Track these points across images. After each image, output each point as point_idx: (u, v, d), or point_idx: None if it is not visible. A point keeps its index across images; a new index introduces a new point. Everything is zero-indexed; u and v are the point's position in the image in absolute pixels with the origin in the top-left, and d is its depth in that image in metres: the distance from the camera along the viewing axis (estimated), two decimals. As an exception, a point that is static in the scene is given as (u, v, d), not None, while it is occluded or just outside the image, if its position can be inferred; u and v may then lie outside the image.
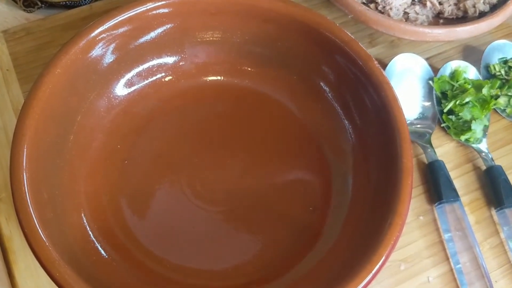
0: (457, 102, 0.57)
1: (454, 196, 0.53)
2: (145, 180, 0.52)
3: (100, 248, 0.48)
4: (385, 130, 0.48)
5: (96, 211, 0.49)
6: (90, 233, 0.48)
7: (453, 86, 0.59)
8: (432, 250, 0.52)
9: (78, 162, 0.50)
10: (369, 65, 0.50)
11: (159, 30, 0.54)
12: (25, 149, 0.44)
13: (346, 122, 0.54)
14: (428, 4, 0.61)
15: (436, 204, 0.54)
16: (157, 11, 0.52)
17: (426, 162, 0.56)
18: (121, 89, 0.54)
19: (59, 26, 0.62)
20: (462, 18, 0.62)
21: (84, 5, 0.65)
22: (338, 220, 0.49)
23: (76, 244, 0.46)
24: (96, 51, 0.50)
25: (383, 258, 0.41)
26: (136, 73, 0.55)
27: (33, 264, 0.49)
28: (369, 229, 0.44)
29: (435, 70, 0.61)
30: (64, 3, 0.64)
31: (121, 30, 0.51)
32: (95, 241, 0.48)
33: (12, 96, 0.57)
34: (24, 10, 0.66)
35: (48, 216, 0.44)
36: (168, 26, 0.54)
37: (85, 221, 0.48)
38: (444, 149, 0.58)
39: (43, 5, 0.66)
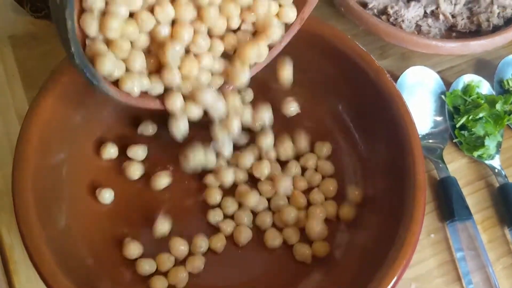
0: (470, 117, 0.55)
1: (466, 214, 0.51)
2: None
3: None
4: (396, 144, 0.46)
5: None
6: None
7: (466, 101, 0.57)
8: (443, 269, 0.51)
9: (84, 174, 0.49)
10: (381, 78, 0.49)
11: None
12: (29, 156, 0.43)
13: (356, 135, 0.53)
14: (441, 17, 0.60)
15: (448, 221, 0.52)
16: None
17: (438, 178, 0.54)
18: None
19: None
20: (476, 31, 0.61)
21: (91, 11, 0.64)
22: (347, 237, 0.48)
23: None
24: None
25: (395, 278, 0.39)
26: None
27: (34, 275, 0.47)
28: (380, 247, 0.43)
29: (447, 84, 0.60)
30: (71, 9, 0.63)
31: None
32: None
33: (17, 102, 0.56)
34: (31, 15, 0.65)
35: (51, 228, 0.43)
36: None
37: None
38: (456, 165, 0.56)
39: (50, 10, 0.65)
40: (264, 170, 0.49)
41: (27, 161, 0.43)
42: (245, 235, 0.47)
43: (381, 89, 0.48)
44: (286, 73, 0.46)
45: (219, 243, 0.47)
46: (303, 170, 0.52)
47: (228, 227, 0.48)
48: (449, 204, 0.52)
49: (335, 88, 0.53)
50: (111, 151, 0.50)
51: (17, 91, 0.57)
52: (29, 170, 0.43)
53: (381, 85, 0.48)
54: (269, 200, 0.50)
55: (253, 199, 0.48)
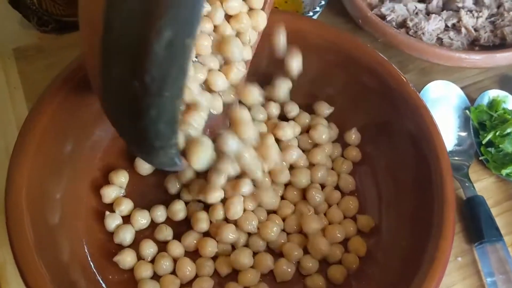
0: (497, 133, 0.52)
1: (496, 235, 0.47)
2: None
3: (101, 281, 0.43)
4: (423, 158, 0.43)
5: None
6: (91, 264, 0.44)
7: (492, 116, 0.54)
8: (472, 295, 0.47)
9: (83, 184, 0.46)
10: (405, 89, 0.46)
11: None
12: (24, 169, 0.40)
13: (380, 148, 0.49)
14: (463, 30, 0.58)
15: (476, 244, 0.48)
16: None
17: (464, 198, 0.51)
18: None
19: (71, 46, 0.59)
20: (499, 45, 0.58)
21: (99, 24, 0.62)
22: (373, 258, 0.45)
23: (74, 273, 0.42)
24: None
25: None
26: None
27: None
28: (408, 268, 0.39)
29: (470, 100, 0.57)
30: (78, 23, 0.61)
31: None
32: (96, 273, 0.43)
33: (18, 115, 0.54)
34: (38, 29, 0.64)
35: (45, 244, 0.40)
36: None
37: (86, 251, 0.44)
38: (483, 184, 0.53)
39: (57, 25, 0.63)
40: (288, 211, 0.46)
41: (21, 178, 0.40)
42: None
43: (406, 100, 0.45)
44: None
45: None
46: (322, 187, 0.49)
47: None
48: (477, 225, 0.48)
49: (359, 101, 0.50)
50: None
51: (19, 103, 0.55)
52: (23, 187, 0.40)
53: (405, 96, 0.45)
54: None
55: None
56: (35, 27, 0.63)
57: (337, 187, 0.49)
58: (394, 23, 0.58)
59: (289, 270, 0.44)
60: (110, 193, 0.46)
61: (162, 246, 0.45)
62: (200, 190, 0.45)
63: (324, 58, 0.50)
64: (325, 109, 0.51)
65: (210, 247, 0.44)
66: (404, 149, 0.46)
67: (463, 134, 0.55)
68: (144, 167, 0.48)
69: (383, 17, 0.58)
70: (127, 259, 0.44)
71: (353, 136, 0.50)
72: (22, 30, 0.64)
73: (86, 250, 0.44)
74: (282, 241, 0.45)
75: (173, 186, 0.48)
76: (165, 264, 0.44)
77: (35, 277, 0.36)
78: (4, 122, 0.54)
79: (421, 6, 0.60)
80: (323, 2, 0.57)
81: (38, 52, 0.59)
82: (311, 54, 0.49)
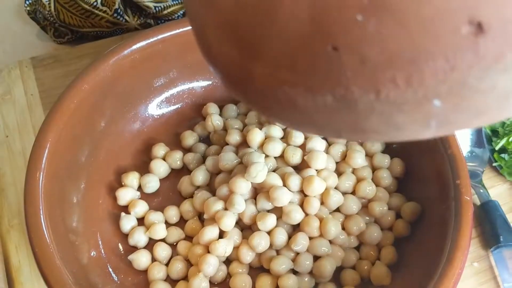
0: (510, 140, 0.52)
1: (513, 239, 0.47)
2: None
3: (117, 283, 0.43)
4: (437, 156, 0.43)
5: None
6: (108, 266, 0.44)
7: (505, 123, 0.54)
8: (490, 301, 0.46)
9: (98, 185, 0.47)
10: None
11: (192, 54, 0.51)
12: (43, 167, 0.41)
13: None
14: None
15: (492, 248, 0.48)
16: (190, 33, 0.50)
17: (478, 204, 0.51)
18: (147, 114, 0.51)
19: (88, 55, 0.60)
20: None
21: (115, 36, 0.63)
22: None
23: (93, 275, 0.42)
24: (127, 70, 0.48)
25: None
26: (166, 96, 0.52)
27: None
28: (428, 264, 0.39)
29: (482, 108, 0.57)
30: (95, 33, 0.63)
31: (153, 50, 0.49)
32: (113, 275, 0.43)
33: (35, 121, 0.55)
34: (54, 40, 0.65)
35: (65, 247, 0.40)
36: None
37: (103, 253, 0.44)
38: (497, 191, 0.53)
39: (73, 36, 0.64)
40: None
41: (39, 183, 0.40)
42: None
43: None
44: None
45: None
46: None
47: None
48: (493, 229, 0.48)
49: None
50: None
51: (36, 110, 0.56)
52: (41, 192, 0.40)
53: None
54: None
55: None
56: (52, 38, 0.65)
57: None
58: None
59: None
60: (125, 195, 0.47)
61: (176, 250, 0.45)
62: (202, 206, 0.45)
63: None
64: None
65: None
66: (419, 149, 0.46)
67: (476, 140, 0.55)
68: (159, 171, 0.49)
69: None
70: (142, 259, 0.44)
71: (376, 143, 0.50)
72: (39, 42, 0.66)
73: (102, 252, 0.44)
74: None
75: (186, 189, 0.48)
76: (178, 267, 0.44)
77: (58, 280, 0.37)
78: (22, 128, 0.54)
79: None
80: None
81: (55, 61, 0.60)
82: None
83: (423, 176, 0.46)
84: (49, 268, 0.37)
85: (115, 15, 0.60)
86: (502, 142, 0.53)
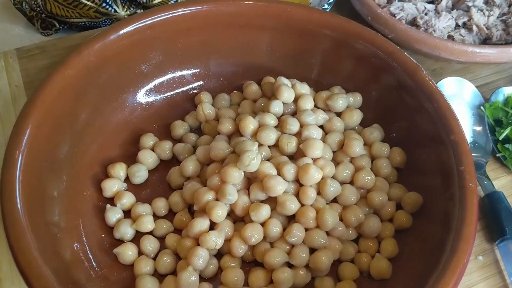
0: (515, 129, 0.50)
1: (519, 232, 0.45)
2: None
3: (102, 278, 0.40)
4: (439, 143, 0.41)
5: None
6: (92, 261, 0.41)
7: (508, 112, 0.52)
8: (496, 296, 0.44)
9: (83, 177, 0.44)
10: (418, 75, 0.44)
11: (182, 41, 0.49)
12: (21, 156, 0.38)
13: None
14: (474, 28, 0.56)
15: (497, 241, 0.45)
16: (180, 19, 0.48)
17: (482, 195, 0.48)
18: (135, 103, 0.49)
19: (74, 46, 0.58)
20: (512, 43, 0.57)
21: (104, 26, 0.61)
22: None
23: (76, 271, 0.39)
24: (113, 57, 0.45)
25: (453, 282, 0.33)
26: (154, 85, 0.50)
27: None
28: (432, 255, 0.36)
29: (484, 100, 0.55)
30: (83, 23, 0.61)
31: (141, 37, 0.47)
32: (98, 270, 0.41)
33: (18, 112, 0.52)
34: (41, 32, 0.63)
35: (46, 243, 0.37)
36: (192, 36, 0.49)
37: (87, 247, 0.41)
38: (501, 182, 0.50)
39: (61, 27, 0.62)
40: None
41: (15, 176, 0.37)
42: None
43: (420, 86, 0.43)
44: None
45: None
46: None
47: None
48: (498, 221, 0.46)
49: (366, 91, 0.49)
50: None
51: (20, 102, 0.53)
52: (18, 185, 0.37)
53: (419, 83, 0.44)
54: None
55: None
56: (39, 30, 0.63)
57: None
58: (404, 22, 0.57)
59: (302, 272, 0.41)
60: (111, 187, 0.44)
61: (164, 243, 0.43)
62: (192, 197, 0.43)
63: (331, 48, 0.49)
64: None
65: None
66: (422, 137, 0.44)
67: (478, 131, 0.53)
68: (147, 161, 0.46)
69: (392, 16, 0.57)
70: (128, 252, 0.41)
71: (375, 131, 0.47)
72: (25, 35, 0.64)
73: (86, 246, 0.41)
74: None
75: (176, 181, 0.46)
76: (167, 261, 0.41)
77: (38, 277, 0.34)
78: (5, 120, 0.52)
79: (430, 6, 0.59)
80: (331, 0, 0.56)
81: (42, 52, 0.57)
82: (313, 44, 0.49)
83: (424, 166, 0.44)
84: (28, 265, 0.34)
85: (104, 4, 0.58)
86: (506, 132, 0.51)
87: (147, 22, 0.46)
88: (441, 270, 0.34)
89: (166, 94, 0.50)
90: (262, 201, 0.42)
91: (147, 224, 0.43)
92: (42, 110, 0.40)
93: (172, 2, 0.60)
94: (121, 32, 0.45)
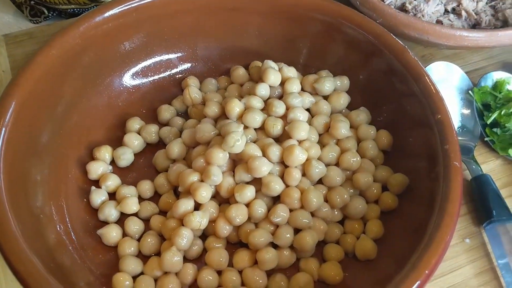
0: (503, 112, 0.50)
1: (507, 214, 0.45)
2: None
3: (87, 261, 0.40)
4: (424, 123, 0.41)
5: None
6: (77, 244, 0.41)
7: (496, 97, 0.52)
8: (482, 278, 0.44)
9: (67, 160, 0.44)
10: (405, 56, 0.44)
11: (169, 24, 0.49)
12: (1, 138, 0.38)
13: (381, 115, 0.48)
14: (463, 13, 0.56)
15: (484, 224, 0.45)
16: (167, 2, 0.47)
17: (470, 179, 0.48)
18: (121, 87, 0.49)
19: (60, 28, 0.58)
20: (501, 28, 0.56)
21: (92, 13, 0.61)
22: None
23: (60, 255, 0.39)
24: (98, 39, 0.45)
25: (434, 262, 0.33)
26: (141, 68, 0.49)
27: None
28: (411, 239, 0.36)
29: (472, 84, 0.55)
30: (72, 10, 0.61)
31: (126, 19, 0.46)
32: (82, 253, 0.40)
33: (3, 95, 0.52)
34: (30, 20, 0.63)
35: (30, 227, 0.37)
36: (179, 19, 0.49)
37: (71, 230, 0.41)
38: (490, 166, 0.50)
39: (50, 14, 0.62)
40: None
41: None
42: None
43: (406, 68, 0.43)
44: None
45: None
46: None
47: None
48: (485, 204, 0.46)
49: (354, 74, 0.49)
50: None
51: (7, 87, 0.53)
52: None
53: (406, 64, 0.44)
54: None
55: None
56: (28, 17, 0.63)
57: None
58: (393, 7, 0.57)
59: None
60: (96, 169, 0.44)
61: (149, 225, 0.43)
62: (177, 179, 0.43)
63: (320, 32, 0.49)
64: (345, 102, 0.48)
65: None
66: (409, 118, 0.44)
67: (467, 115, 0.52)
68: (133, 144, 0.46)
69: (381, 0, 0.57)
70: (112, 233, 0.41)
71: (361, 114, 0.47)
72: (14, 23, 0.63)
73: (69, 227, 0.41)
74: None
75: (161, 163, 0.45)
76: (151, 242, 0.41)
77: (22, 261, 0.34)
78: (-9, 104, 0.52)
79: (420, -8, 0.59)
80: (319, -15, 0.56)
81: (29, 38, 0.57)
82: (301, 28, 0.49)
83: (411, 148, 0.44)
84: (10, 248, 0.34)
85: (92, -10, 0.58)
86: (494, 115, 0.50)
87: (132, 5, 0.46)
88: (424, 246, 0.34)
89: (152, 78, 0.50)
90: (247, 183, 0.42)
91: (132, 205, 0.42)
92: (25, 90, 0.40)
93: (161, -12, 0.59)
94: (107, 14, 0.45)
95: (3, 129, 0.38)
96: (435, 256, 0.33)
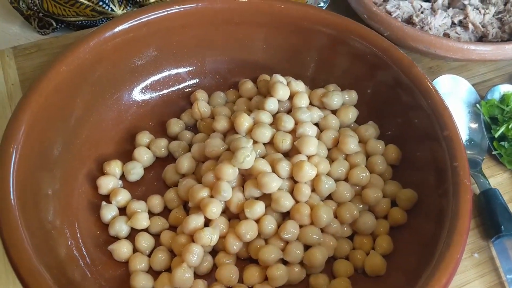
0: (510, 126, 0.50)
1: (515, 229, 0.45)
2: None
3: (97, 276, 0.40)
4: (433, 139, 0.41)
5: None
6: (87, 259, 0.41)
7: (504, 110, 0.52)
8: (491, 293, 0.44)
9: (78, 174, 0.44)
10: (413, 71, 0.44)
11: (177, 38, 0.49)
12: (14, 153, 0.38)
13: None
14: (470, 26, 0.57)
15: (493, 239, 0.45)
16: (175, 16, 0.48)
17: (478, 193, 0.48)
18: (131, 101, 0.49)
19: (70, 43, 0.58)
20: (508, 41, 0.56)
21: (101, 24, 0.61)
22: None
23: (71, 270, 0.39)
24: (108, 54, 0.46)
25: (445, 282, 0.33)
26: (150, 83, 0.50)
27: None
28: (426, 249, 0.36)
29: (480, 97, 0.55)
30: (80, 22, 0.61)
31: (136, 34, 0.47)
32: (92, 268, 0.41)
33: (14, 110, 0.52)
34: (38, 31, 0.63)
35: (41, 242, 0.37)
36: (187, 34, 0.49)
37: (82, 245, 0.41)
38: (497, 180, 0.50)
39: (58, 26, 0.62)
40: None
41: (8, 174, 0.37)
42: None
43: (414, 83, 0.44)
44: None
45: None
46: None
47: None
48: (494, 218, 0.46)
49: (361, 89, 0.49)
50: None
51: (16, 100, 0.53)
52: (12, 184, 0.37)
53: (414, 79, 0.44)
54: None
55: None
56: (36, 29, 0.63)
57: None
58: (400, 20, 0.57)
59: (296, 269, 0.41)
60: (107, 184, 0.44)
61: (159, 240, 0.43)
62: (187, 195, 0.43)
63: (325, 45, 0.49)
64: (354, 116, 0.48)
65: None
66: (416, 133, 0.44)
67: (474, 129, 0.53)
68: (143, 159, 0.46)
69: (388, 14, 0.57)
70: (123, 249, 0.41)
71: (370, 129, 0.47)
72: (21, 34, 0.64)
73: (80, 242, 0.41)
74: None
75: (171, 178, 0.46)
76: (161, 258, 0.41)
77: (32, 274, 0.34)
78: (1, 117, 0.52)
79: (426, 4, 0.59)
80: (326, -2, 0.57)
81: (38, 50, 0.57)
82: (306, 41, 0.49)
83: (419, 162, 0.44)
84: (21, 261, 0.34)
85: (100, 3, 0.58)
86: (502, 129, 0.51)
87: (142, 20, 0.46)
88: (435, 264, 0.34)
89: (161, 92, 0.50)
90: (257, 198, 0.42)
91: (142, 221, 0.42)
92: (36, 106, 0.40)
93: None
94: (116, 29, 0.45)
95: (16, 145, 0.38)
96: (446, 275, 0.33)
